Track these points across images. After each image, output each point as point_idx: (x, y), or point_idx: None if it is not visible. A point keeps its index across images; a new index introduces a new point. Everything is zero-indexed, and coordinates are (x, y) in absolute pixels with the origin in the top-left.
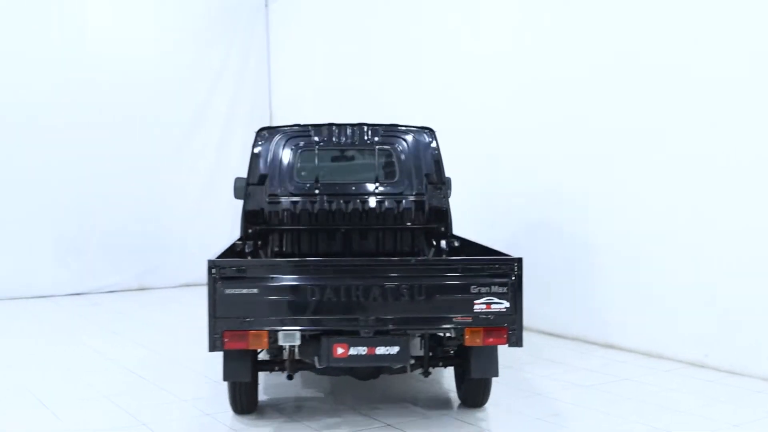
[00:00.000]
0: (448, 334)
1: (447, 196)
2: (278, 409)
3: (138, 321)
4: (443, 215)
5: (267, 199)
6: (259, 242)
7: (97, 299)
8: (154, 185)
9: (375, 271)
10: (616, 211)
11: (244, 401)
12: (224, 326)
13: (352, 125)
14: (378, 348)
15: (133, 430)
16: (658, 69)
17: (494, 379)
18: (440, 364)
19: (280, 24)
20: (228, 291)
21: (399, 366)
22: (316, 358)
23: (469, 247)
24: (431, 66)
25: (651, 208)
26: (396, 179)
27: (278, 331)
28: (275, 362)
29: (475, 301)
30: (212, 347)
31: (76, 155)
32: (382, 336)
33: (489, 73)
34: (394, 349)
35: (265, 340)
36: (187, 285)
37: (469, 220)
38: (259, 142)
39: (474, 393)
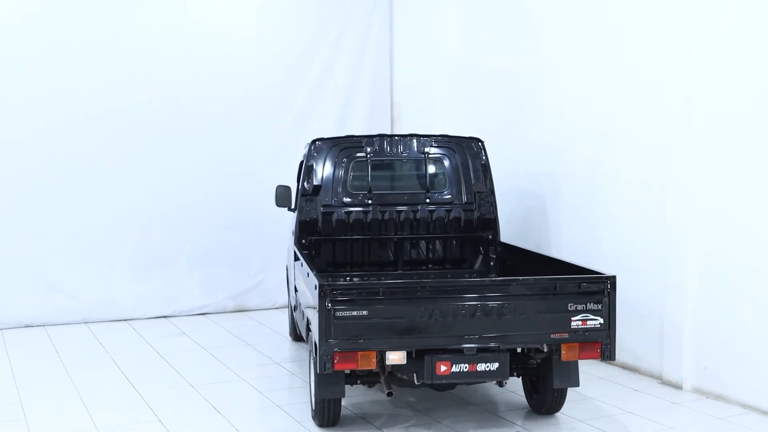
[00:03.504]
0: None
1: (494, 204)
2: (362, 419)
3: (232, 370)
4: (491, 224)
5: (321, 210)
6: (314, 252)
7: (186, 325)
8: (254, 192)
9: (479, 291)
10: None
11: (332, 415)
12: (335, 347)
13: (403, 136)
14: (479, 365)
15: None
16: None
17: None
18: (514, 374)
19: None
20: (339, 313)
21: (497, 381)
22: (414, 375)
23: (518, 254)
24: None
25: None
26: (446, 189)
27: (386, 350)
28: (367, 378)
29: (572, 318)
30: (323, 368)
31: (163, 156)
32: (484, 353)
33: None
34: (494, 365)
35: (374, 359)
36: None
37: None
38: (313, 154)
39: (550, 401)
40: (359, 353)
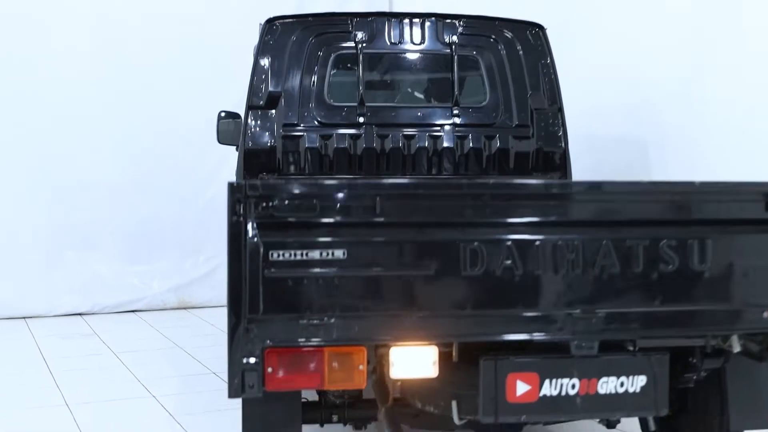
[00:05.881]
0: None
1: (564, 129)
2: None
3: (140, 381)
4: (558, 160)
5: (281, 132)
6: None
7: (105, 323)
8: (206, 150)
9: (608, 210)
10: None
11: None
12: (267, 336)
13: (417, 15)
14: (603, 380)
15: None
16: None
17: None
18: None
19: None
20: (278, 254)
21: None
22: (455, 403)
23: None
24: None
25: None
26: (484, 102)
27: (391, 344)
28: (351, 411)
29: None
30: (239, 390)
31: (81, 103)
32: (615, 354)
33: None
34: (640, 381)
35: (362, 368)
36: None
37: None
38: (269, 42)
39: None
40: (327, 351)
